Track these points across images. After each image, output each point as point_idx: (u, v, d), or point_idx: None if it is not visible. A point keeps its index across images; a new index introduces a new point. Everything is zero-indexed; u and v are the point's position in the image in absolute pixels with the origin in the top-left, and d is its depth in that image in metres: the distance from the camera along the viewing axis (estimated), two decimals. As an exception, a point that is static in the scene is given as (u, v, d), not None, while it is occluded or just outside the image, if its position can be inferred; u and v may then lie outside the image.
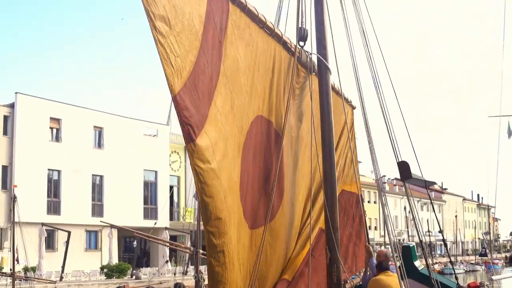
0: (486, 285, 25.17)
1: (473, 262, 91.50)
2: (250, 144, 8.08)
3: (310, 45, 9.68)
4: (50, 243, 44.78)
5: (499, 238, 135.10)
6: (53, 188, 45.82)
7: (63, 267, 40.31)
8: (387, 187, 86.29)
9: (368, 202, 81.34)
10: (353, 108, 13.25)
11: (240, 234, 7.70)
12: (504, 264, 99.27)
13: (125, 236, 53.57)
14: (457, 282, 14.23)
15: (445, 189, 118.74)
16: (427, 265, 12.81)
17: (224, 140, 7.17)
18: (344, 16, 10.30)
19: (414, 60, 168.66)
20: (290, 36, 9.52)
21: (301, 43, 9.64)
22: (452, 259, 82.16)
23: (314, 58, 9.86)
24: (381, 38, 10.99)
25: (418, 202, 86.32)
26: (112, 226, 36.93)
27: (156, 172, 53.60)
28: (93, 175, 48.24)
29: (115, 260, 46.35)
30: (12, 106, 43.45)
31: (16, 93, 43.64)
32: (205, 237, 7.00)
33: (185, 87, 6.39)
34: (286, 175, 9.28)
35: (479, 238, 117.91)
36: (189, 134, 6.45)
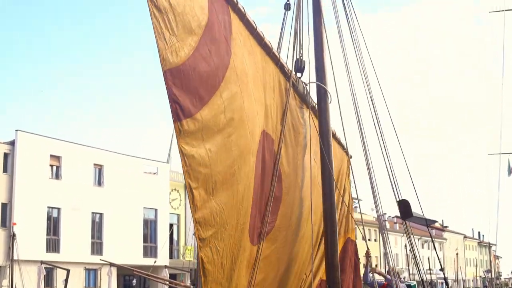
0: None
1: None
2: (264, 156, 8.00)
3: (309, 76, 9.79)
4: (49, 281, 44.35)
5: (501, 276, 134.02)
6: (53, 225, 45.54)
7: (61, 305, 40.01)
8: (387, 225, 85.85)
9: (369, 240, 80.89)
10: (349, 157, 13.08)
11: (242, 242, 7.51)
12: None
13: (125, 275, 53.12)
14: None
15: (446, 226, 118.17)
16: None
17: (224, 133, 7.08)
18: (343, 53, 10.39)
19: (414, 98, 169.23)
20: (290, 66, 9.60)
21: (298, 74, 9.72)
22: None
23: (313, 93, 9.93)
24: (380, 75, 11.06)
25: (419, 240, 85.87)
26: (111, 265, 36.64)
27: (156, 210, 53.37)
28: (92, 212, 48.00)
29: (114, 299, 45.92)
30: (12, 143, 43.41)
31: (16, 130, 43.65)
32: (194, 228, 6.80)
33: (183, 67, 6.42)
34: (283, 201, 9.10)
35: (480, 276, 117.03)
36: (177, 112, 6.39)
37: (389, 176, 10.31)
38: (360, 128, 10.29)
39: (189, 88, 6.52)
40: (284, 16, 10.36)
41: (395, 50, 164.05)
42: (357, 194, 10.62)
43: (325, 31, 10.04)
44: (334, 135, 11.72)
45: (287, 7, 10.43)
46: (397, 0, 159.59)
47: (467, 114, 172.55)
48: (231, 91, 7.21)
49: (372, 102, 10.56)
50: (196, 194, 6.59)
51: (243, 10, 7.92)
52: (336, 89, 9.89)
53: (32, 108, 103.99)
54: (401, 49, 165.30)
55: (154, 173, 53.82)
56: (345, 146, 12.74)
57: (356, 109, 10.25)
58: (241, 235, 7.45)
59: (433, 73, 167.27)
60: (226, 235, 7.09)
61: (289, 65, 9.56)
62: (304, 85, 9.88)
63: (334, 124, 11.45)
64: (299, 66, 9.71)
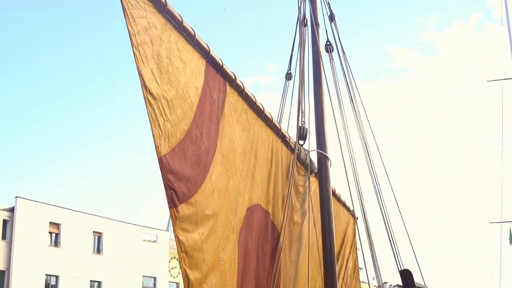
0: None
1: None
2: (249, 231, 7.95)
3: (308, 144, 9.82)
4: None
5: None
6: (51, 294, 45.10)
7: None
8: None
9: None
10: (356, 218, 12.96)
11: None
12: None
13: None
14: None
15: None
16: None
17: (213, 216, 7.04)
18: (343, 122, 10.46)
19: (414, 168, 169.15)
20: (293, 136, 9.64)
21: (301, 142, 9.75)
22: None
23: (314, 159, 9.95)
24: (381, 146, 11.11)
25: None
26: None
27: (155, 278, 52.80)
28: (91, 281, 47.47)
29: None
30: (12, 210, 43.30)
31: (16, 197, 43.61)
32: None
33: (173, 153, 6.40)
34: (283, 272, 9.05)
35: None
36: (172, 199, 6.38)
37: (391, 245, 10.24)
38: (360, 198, 10.27)
39: (183, 173, 6.51)
40: (285, 85, 10.47)
41: (395, 116, 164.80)
42: (364, 262, 10.52)
43: (330, 97, 10.11)
44: (339, 199, 11.68)
45: (288, 76, 10.55)
46: (397, 70, 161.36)
47: (468, 183, 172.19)
48: (218, 172, 7.21)
49: (373, 171, 10.57)
50: (192, 279, 6.56)
51: (241, 86, 7.96)
52: (343, 156, 9.92)
53: (32, 175, 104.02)
54: (401, 116, 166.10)
55: (153, 241, 53.47)
56: (351, 208, 12.64)
57: (356, 179, 10.24)
58: None
59: (432, 141, 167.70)
60: None
61: (290, 133, 9.60)
62: (306, 152, 9.90)
63: (338, 187, 11.46)
64: (301, 134, 9.75)
